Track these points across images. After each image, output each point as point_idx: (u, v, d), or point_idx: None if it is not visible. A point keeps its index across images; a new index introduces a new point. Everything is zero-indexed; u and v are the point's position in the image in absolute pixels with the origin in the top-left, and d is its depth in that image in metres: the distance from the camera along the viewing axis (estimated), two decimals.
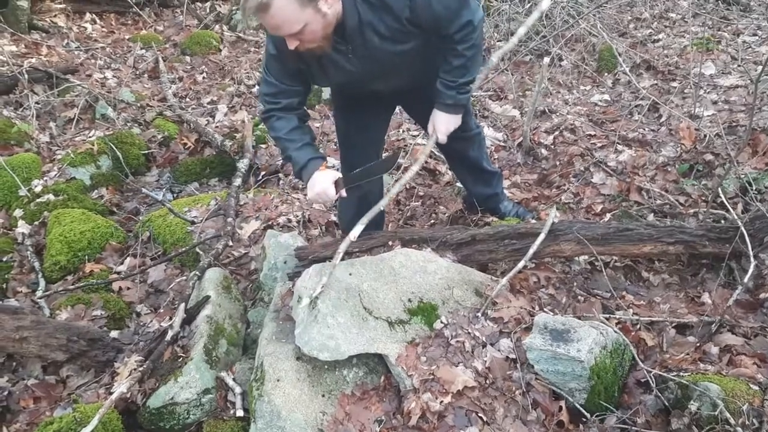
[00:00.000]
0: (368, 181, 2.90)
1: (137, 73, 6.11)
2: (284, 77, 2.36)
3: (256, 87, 5.64)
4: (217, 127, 4.99)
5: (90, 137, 4.60)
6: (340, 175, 2.42)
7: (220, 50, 6.66)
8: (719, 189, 2.95)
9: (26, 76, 5.25)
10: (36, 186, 3.98)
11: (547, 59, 3.63)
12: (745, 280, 2.48)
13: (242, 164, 4.24)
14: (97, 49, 6.52)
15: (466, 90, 2.43)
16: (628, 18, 6.19)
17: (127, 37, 6.92)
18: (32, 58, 5.93)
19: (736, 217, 2.68)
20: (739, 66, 4.74)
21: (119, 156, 4.44)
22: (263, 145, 4.58)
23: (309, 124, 2.55)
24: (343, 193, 2.45)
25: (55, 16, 6.85)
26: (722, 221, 2.92)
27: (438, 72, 2.46)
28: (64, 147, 4.55)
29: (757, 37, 5.26)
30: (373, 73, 2.37)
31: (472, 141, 3.06)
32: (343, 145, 2.96)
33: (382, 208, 2.49)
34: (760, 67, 4.53)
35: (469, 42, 2.27)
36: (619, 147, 3.87)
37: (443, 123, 2.52)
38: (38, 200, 3.84)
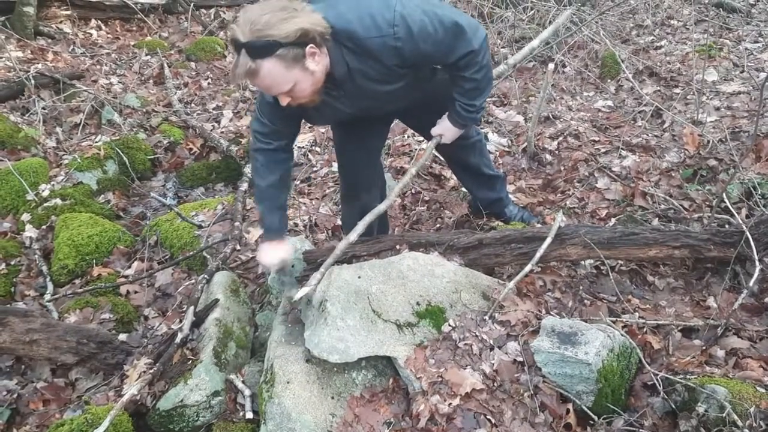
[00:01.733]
0: (368, 191, 2.96)
1: (142, 78, 6.14)
2: (276, 120, 2.37)
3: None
4: (222, 132, 5.02)
5: (96, 142, 4.62)
6: (286, 258, 2.52)
7: (225, 56, 6.69)
8: (723, 194, 2.97)
9: (33, 81, 5.28)
10: (43, 190, 4.01)
11: (551, 65, 3.65)
12: (751, 284, 2.50)
13: (248, 169, 4.26)
14: (103, 55, 6.55)
15: (482, 108, 2.45)
16: (631, 25, 6.23)
17: (132, 43, 6.95)
18: (38, 63, 5.97)
19: (740, 222, 2.69)
20: (741, 73, 4.77)
21: (125, 161, 4.48)
22: None
23: (291, 172, 2.64)
24: (281, 274, 2.64)
25: (60, 22, 6.89)
26: (727, 226, 2.94)
27: (437, 90, 2.48)
28: (71, 152, 4.58)
29: (758, 44, 5.29)
30: (368, 108, 2.40)
31: (473, 148, 3.07)
32: (340, 157, 2.97)
33: (385, 209, 2.52)
34: (762, 74, 4.56)
35: (476, 66, 2.25)
36: (623, 152, 3.89)
37: (452, 133, 2.56)
38: (45, 204, 3.87)
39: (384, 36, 2.03)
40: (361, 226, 2.39)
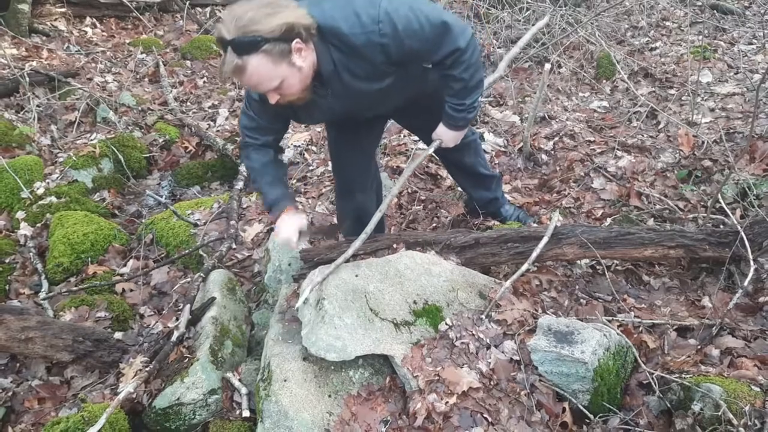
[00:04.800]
0: (362, 191, 2.96)
1: (138, 77, 6.13)
2: (264, 116, 2.37)
3: None
4: (218, 131, 5.01)
5: (91, 140, 4.61)
6: (306, 223, 2.44)
7: (221, 55, 6.68)
8: (718, 194, 2.99)
9: (27, 79, 5.26)
10: (38, 188, 3.99)
11: (547, 66, 3.66)
12: (745, 283, 2.51)
13: (244, 168, 4.25)
14: (98, 53, 6.53)
15: (474, 108, 2.43)
16: (626, 26, 6.25)
17: (127, 41, 6.93)
18: (33, 61, 5.94)
19: (735, 222, 2.71)
20: (736, 74, 4.80)
21: (121, 159, 4.46)
22: None
23: (283, 159, 2.61)
24: (303, 244, 2.53)
25: (55, 19, 6.86)
26: (721, 226, 2.96)
27: (429, 89, 2.49)
28: (66, 150, 4.56)
29: (753, 46, 5.32)
30: (357, 108, 2.39)
31: (468, 148, 3.07)
32: (334, 159, 2.96)
33: (383, 212, 2.53)
34: (756, 75, 4.59)
35: (463, 65, 2.22)
36: (619, 153, 3.91)
37: (451, 139, 2.56)
38: (40, 202, 3.85)
39: (369, 33, 2.02)
40: (371, 226, 2.42)
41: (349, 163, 2.92)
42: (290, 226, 2.39)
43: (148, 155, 4.71)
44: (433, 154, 2.95)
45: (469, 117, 2.44)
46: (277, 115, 2.38)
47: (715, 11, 6.24)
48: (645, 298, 2.77)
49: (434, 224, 3.58)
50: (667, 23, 6.30)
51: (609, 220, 3.31)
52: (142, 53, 6.61)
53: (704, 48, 5.24)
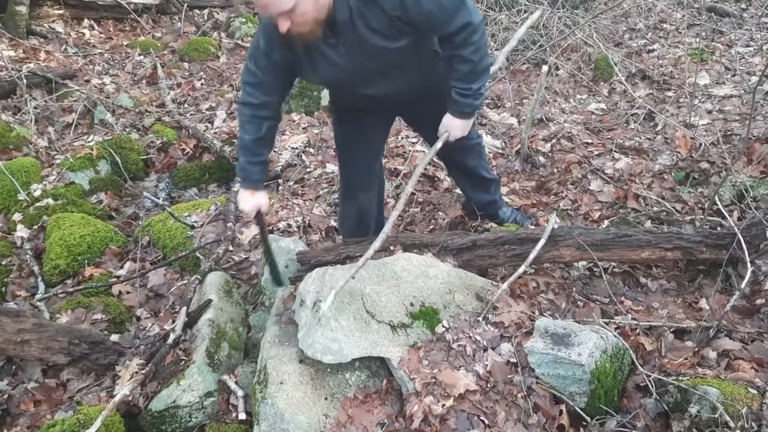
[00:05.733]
0: (366, 191, 2.96)
1: (135, 78, 6.12)
2: (268, 71, 2.34)
3: None
4: (215, 133, 5.00)
5: (89, 142, 4.60)
6: (263, 204, 2.55)
7: (219, 57, 6.68)
8: (716, 196, 2.99)
9: (25, 80, 5.25)
10: (35, 190, 3.99)
11: (545, 68, 3.66)
12: (742, 285, 2.51)
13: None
14: (96, 54, 6.53)
15: (480, 94, 2.43)
16: (623, 28, 6.25)
17: (125, 43, 6.93)
18: (30, 62, 5.94)
19: (732, 224, 2.71)
20: (733, 76, 4.80)
21: (118, 161, 4.45)
22: None
23: (275, 132, 2.58)
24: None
25: (53, 21, 6.86)
26: (719, 228, 2.96)
27: (437, 80, 2.49)
28: (63, 151, 4.56)
29: (750, 48, 5.33)
30: (364, 69, 2.35)
31: (473, 150, 3.08)
32: (341, 155, 2.96)
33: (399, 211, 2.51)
34: (753, 78, 4.59)
35: (473, 45, 2.26)
36: (616, 155, 3.91)
37: (458, 128, 2.54)
38: (37, 204, 3.85)
39: None
40: (389, 225, 2.40)
41: (357, 160, 2.92)
42: (252, 201, 2.50)
43: (145, 157, 4.71)
44: (436, 157, 2.93)
45: (476, 104, 2.45)
46: (280, 72, 2.35)
47: (712, 14, 6.24)
48: (642, 300, 2.77)
49: (432, 226, 3.57)
50: (665, 25, 6.30)
51: (606, 221, 3.30)
52: (139, 55, 6.61)
53: (702, 50, 5.24)
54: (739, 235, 2.57)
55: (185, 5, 7.54)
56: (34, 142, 4.66)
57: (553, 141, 4.25)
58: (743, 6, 6.47)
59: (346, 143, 2.89)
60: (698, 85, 4.61)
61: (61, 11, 6.93)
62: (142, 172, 4.67)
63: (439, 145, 2.57)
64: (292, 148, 4.61)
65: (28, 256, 3.50)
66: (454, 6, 2.17)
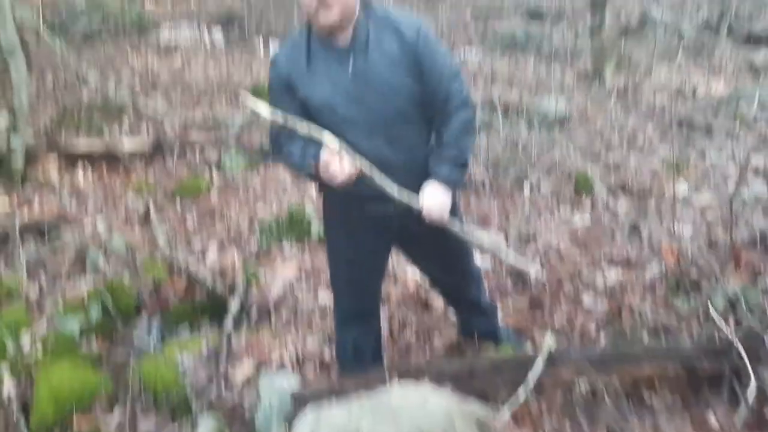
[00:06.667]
0: (369, 314, 2.86)
1: (128, 221, 6.22)
2: (284, 100, 2.36)
3: (246, 227, 5.77)
4: (208, 269, 5.02)
5: (80, 287, 4.60)
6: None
7: (210, 193, 6.83)
8: (709, 305, 2.98)
9: (17, 230, 5.32)
10: (24, 341, 3.92)
11: (527, 186, 3.78)
12: (747, 397, 2.45)
13: (233, 305, 4.23)
14: (88, 199, 6.67)
15: (460, 167, 2.43)
16: (599, 144, 6.51)
17: (118, 186, 7.10)
18: (24, 212, 6.04)
19: (729, 333, 2.68)
20: (710, 185, 4.95)
21: (109, 305, 4.42)
22: (254, 285, 4.60)
23: None
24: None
25: (48, 170, 7.05)
26: (717, 337, 2.93)
27: (421, 155, 2.48)
28: (54, 299, 4.54)
29: (723, 157, 5.54)
30: (362, 101, 2.31)
31: (474, 281, 3.07)
32: (334, 281, 2.93)
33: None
34: (731, 185, 4.74)
35: (467, 110, 2.42)
36: (606, 268, 3.94)
37: (434, 198, 2.40)
38: (26, 354, 3.77)
39: (410, 17, 2.35)
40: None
41: (353, 285, 2.82)
42: (346, 162, 2.24)
43: (137, 299, 4.68)
44: (427, 284, 2.90)
45: (454, 173, 2.43)
46: (293, 92, 2.36)
47: (682, 126, 6.54)
48: (649, 419, 2.68)
49: (427, 351, 3.51)
50: (639, 138, 6.58)
51: (603, 336, 3.27)
52: (133, 197, 6.75)
53: (677, 161, 5.44)
54: (738, 345, 2.54)
55: (177, 146, 7.81)
56: (24, 291, 4.65)
57: (542, 257, 4.29)
58: (711, 117, 6.79)
59: (340, 266, 2.83)
60: (677, 195, 4.74)
61: (55, 160, 7.15)
62: (133, 314, 4.63)
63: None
64: (285, 279, 4.62)
65: (14, 408, 3.38)
66: (452, 68, 2.39)
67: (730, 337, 2.63)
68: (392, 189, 2.32)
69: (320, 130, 2.23)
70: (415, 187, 2.42)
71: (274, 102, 2.38)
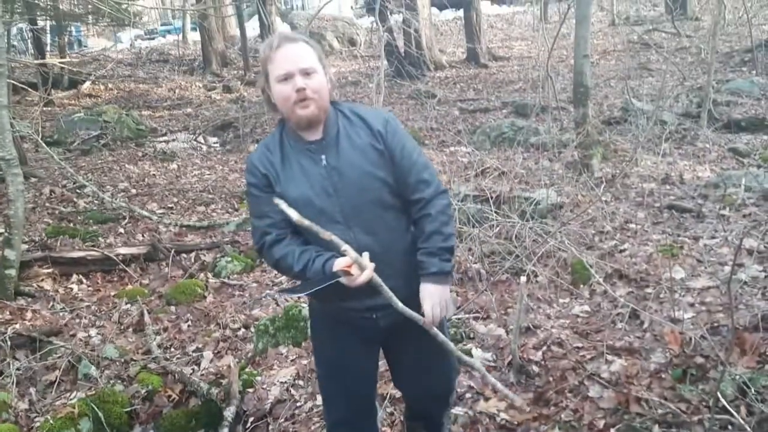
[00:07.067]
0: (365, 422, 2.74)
1: (122, 328, 6.13)
2: (267, 204, 2.34)
3: (241, 330, 5.69)
4: (202, 374, 4.90)
5: (71, 400, 4.46)
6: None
7: (205, 297, 6.78)
8: (718, 393, 2.90)
9: (9, 342, 5.23)
10: None
11: (523, 278, 3.76)
12: None
13: (228, 412, 4.10)
14: (83, 308, 6.59)
15: (448, 257, 2.44)
16: (592, 232, 6.55)
17: (112, 293, 7.04)
18: (16, 323, 5.96)
19: (742, 422, 2.60)
20: (706, 268, 4.95)
21: (101, 417, 4.28)
22: (250, 390, 4.48)
23: None
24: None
25: (41, 280, 7.02)
26: (729, 426, 2.83)
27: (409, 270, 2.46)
28: (44, 413, 4.39)
29: (716, 240, 5.57)
30: (337, 192, 2.34)
31: (448, 405, 2.99)
32: (323, 385, 2.81)
33: None
34: (726, 268, 4.73)
35: (443, 199, 2.47)
36: (609, 357, 3.86)
37: (431, 295, 2.40)
38: None
39: (378, 111, 2.49)
40: None
41: (343, 391, 2.70)
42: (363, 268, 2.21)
43: (129, 409, 4.53)
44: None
45: (443, 265, 2.43)
46: (270, 199, 2.31)
47: (672, 211, 6.62)
48: None
49: None
50: (631, 225, 6.63)
51: (612, 430, 3.15)
52: (126, 303, 6.68)
53: (671, 246, 5.46)
54: None
55: (172, 251, 7.83)
56: (14, 405, 4.50)
57: (544, 348, 4.21)
58: (700, 201, 6.88)
59: (329, 371, 2.73)
60: (675, 280, 4.72)
61: (49, 270, 7.13)
62: (126, 425, 4.47)
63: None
64: (281, 382, 4.50)
65: None
66: (421, 162, 2.46)
67: (743, 426, 2.54)
68: (396, 303, 2.29)
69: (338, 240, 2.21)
70: (399, 276, 2.41)
71: (255, 205, 2.46)
